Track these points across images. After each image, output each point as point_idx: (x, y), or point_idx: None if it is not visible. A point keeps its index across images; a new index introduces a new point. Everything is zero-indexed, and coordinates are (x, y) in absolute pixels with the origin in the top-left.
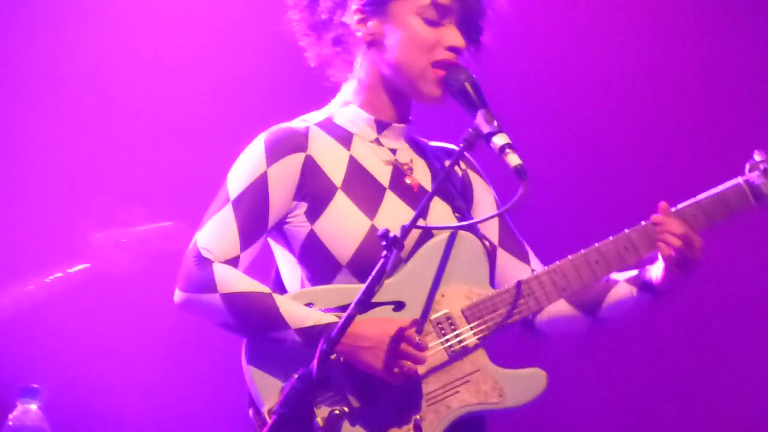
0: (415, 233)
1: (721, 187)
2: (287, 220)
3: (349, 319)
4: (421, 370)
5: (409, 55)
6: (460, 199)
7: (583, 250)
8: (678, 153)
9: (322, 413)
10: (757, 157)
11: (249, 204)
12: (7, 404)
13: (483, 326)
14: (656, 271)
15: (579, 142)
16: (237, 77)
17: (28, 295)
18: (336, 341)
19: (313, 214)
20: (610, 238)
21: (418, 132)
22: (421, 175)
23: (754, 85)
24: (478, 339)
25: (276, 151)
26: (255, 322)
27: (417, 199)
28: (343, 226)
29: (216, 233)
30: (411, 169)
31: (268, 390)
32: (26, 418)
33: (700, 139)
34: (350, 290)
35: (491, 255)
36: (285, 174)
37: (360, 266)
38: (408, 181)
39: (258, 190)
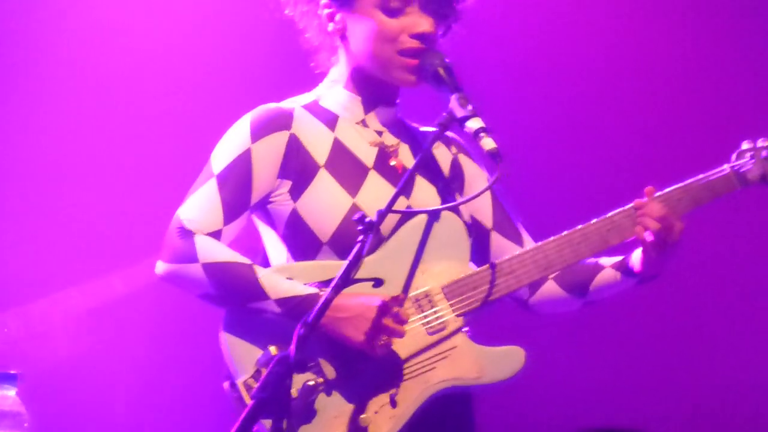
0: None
1: (708, 174)
2: (271, 199)
3: (327, 303)
4: (400, 343)
5: (375, 46)
6: (448, 181)
7: (566, 232)
8: (664, 139)
9: (296, 384)
10: (744, 145)
11: (233, 179)
12: None
13: (462, 304)
14: (636, 255)
15: (565, 128)
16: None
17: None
18: (314, 325)
19: (296, 192)
20: (594, 220)
21: (409, 115)
22: (407, 157)
23: (741, 76)
24: (457, 316)
25: (261, 129)
26: (235, 292)
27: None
28: (325, 203)
29: (199, 206)
30: (396, 151)
31: (244, 360)
32: (4, 404)
33: (687, 123)
34: (329, 266)
35: (484, 236)
36: (269, 151)
37: (341, 244)
38: (392, 162)
39: (242, 165)
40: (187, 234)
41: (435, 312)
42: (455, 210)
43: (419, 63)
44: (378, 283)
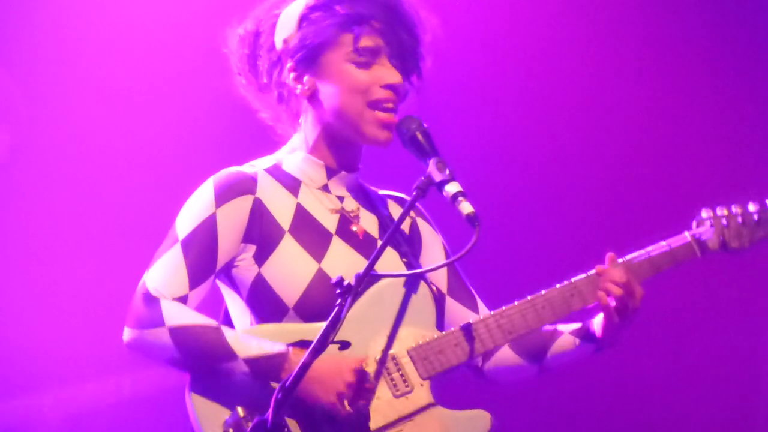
0: None
1: (669, 241)
2: (235, 263)
3: (305, 367)
4: (367, 408)
5: (346, 99)
6: (408, 245)
7: (529, 296)
8: (623, 204)
9: None
10: (704, 214)
11: (198, 245)
12: None
13: (428, 367)
14: (597, 321)
15: (527, 192)
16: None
17: None
18: (291, 389)
19: (261, 257)
20: (557, 285)
21: (371, 177)
22: (367, 222)
23: (697, 146)
24: (422, 380)
25: (225, 194)
26: (202, 354)
27: (363, 246)
28: (291, 268)
29: (165, 272)
30: (357, 217)
31: (211, 422)
32: None
33: (646, 186)
34: (296, 330)
35: (439, 302)
36: (233, 216)
37: (307, 309)
38: (354, 228)
39: (207, 231)
40: (152, 300)
41: (401, 375)
42: (422, 275)
43: (397, 126)
44: (344, 345)
